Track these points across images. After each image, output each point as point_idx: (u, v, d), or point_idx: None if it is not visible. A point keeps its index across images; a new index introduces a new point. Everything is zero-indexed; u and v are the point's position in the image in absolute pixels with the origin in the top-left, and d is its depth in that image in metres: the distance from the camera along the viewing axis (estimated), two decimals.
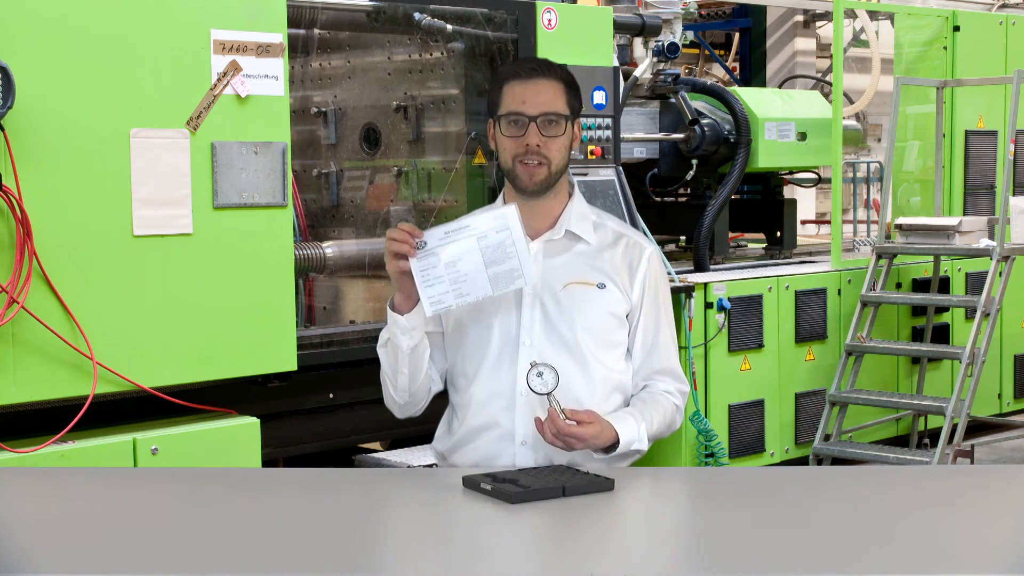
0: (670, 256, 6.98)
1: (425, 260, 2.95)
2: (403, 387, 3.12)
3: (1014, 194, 7.05)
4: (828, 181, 7.54)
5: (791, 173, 7.90)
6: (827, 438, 6.69)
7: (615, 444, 2.99)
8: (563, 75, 3.11)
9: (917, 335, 7.36)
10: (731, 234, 7.69)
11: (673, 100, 7.14)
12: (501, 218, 2.97)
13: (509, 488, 2.70)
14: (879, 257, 6.97)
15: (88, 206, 4.10)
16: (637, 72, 6.80)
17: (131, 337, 4.20)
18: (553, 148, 3.05)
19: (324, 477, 3.15)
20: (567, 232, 3.14)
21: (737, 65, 12.12)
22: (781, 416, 6.67)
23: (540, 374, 2.91)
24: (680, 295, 6.09)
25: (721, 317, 6.33)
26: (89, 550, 2.46)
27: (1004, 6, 13.07)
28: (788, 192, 8.14)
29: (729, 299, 6.37)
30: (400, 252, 2.96)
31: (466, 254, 2.96)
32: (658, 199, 7.52)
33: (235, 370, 4.46)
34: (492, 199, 3.25)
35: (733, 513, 2.70)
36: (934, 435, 7.15)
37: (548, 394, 2.90)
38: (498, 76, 3.15)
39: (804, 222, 10.90)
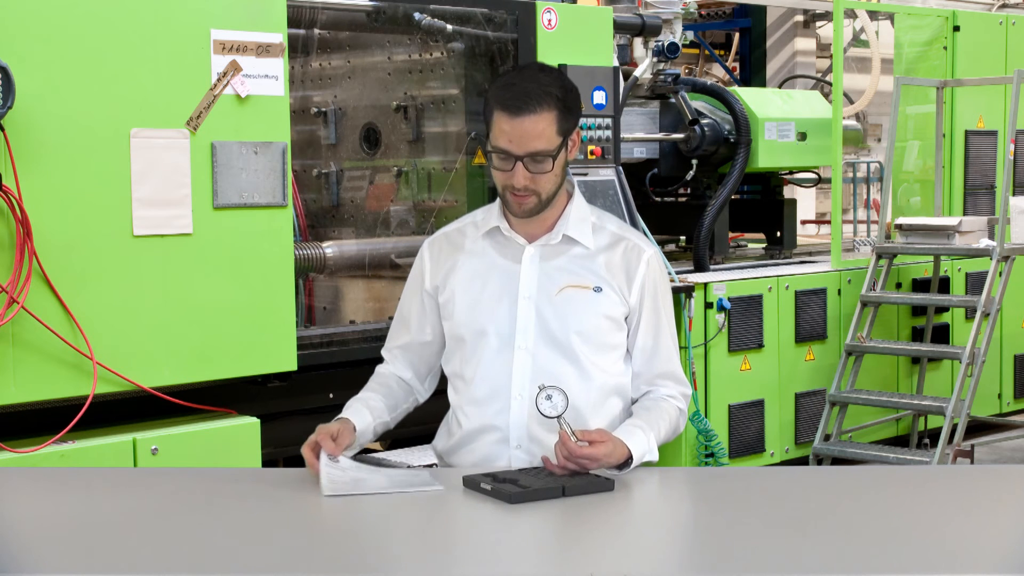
0: (670, 256, 6.97)
1: (334, 467, 2.89)
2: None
3: (1014, 194, 7.05)
4: (828, 181, 7.54)
5: (791, 173, 7.90)
6: (827, 438, 6.69)
7: (627, 461, 2.94)
8: (554, 102, 2.95)
9: (917, 335, 7.36)
10: (731, 234, 7.68)
11: (673, 100, 7.14)
12: (422, 479, 2.91)
13: (509, 488, 2.70)
14: (879, 257, 6.97)
15: (88, 206, 4.10)
16: (637, 72, 6.79)
17: (131, 337, 4.20)
18: (541, 181, 2.98)
19: None
20: (564, 236, 3.11)
21: (737, 65, 12.11)
22: (781, 416, 6.67)
23: (549, 397, 2.85)
24: (680, 295, 6.09)
25: (721, 317, 6.33)
26: (89, 550, 2.46)
27: (1004, 6, 13.07)
28: (788, 192, 8.14)
29: (729, 299, 6.37)
30: (310, 459, 2.92)
31: (372, 477, 2.90)
32: (658, 199, 7.51)
33: (235, 370, 4.47)
34: (492, 198, 3.24)
35: (733, 513, 2.70)
36: (934, 435, 7.15)
37: (558, 417, 2.84)
38: (490, 95, 3.01)
39: (804, 222, 10.90)
